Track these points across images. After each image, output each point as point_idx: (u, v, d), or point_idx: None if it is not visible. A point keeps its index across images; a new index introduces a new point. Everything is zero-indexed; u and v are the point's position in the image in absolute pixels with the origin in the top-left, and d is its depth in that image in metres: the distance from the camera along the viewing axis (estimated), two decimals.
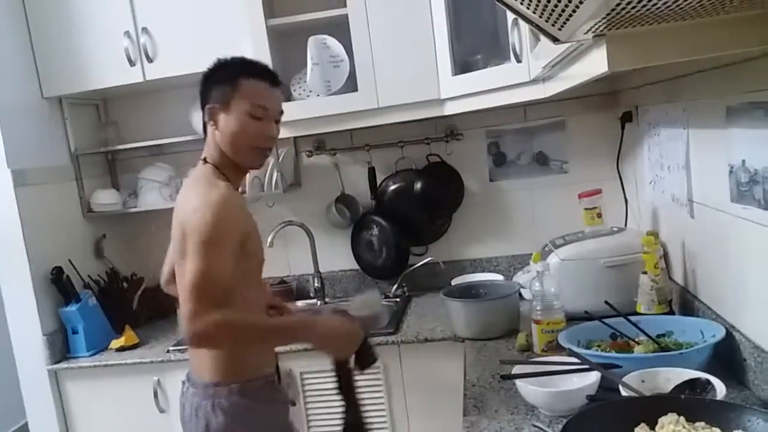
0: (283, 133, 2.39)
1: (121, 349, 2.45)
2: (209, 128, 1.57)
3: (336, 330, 1.51)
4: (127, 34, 2.45)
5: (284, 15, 2.38)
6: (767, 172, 1.16)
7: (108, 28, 2.47)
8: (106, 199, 2.72)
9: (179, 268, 1.51)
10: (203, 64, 2.39)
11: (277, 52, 2.36)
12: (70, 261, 2.54)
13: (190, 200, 1.49)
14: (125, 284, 2.77)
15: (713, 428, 1.02)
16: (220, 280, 1.39)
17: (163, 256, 2.80)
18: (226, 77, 1.55)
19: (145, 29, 2.44)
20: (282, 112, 1.61)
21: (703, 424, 1.03)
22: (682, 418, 1.05)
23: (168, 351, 2.37)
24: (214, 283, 1.38)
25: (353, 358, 1.54)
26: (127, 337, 2.47)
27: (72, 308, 2.44)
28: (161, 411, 2.37)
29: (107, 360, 2.39)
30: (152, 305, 2.81)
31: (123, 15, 2.45)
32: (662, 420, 1.06)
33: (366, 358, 1.55)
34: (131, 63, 2.46)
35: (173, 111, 2.75)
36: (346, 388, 1.56)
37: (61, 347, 2.46)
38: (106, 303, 2.62)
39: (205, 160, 1.60)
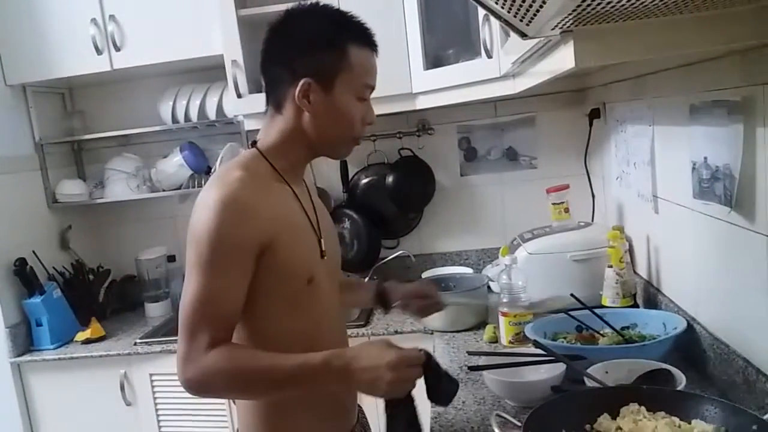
0: (254, 125, 2.39)
1: (87, 341, 2.41)
2: (291, 106, 1.16)
3: (376, 363, 1.05)
4: (93, 21, 2.40)
5: (255, 5, 2.36)
6: (727, 169, 1.19)
7: (74, 15, 2.42)
8: (71, 189, 2.67)
9: None
10: (172, 53, 2.40)
11: (247, 43, 2.33)
12: (34, 252, 2.49)
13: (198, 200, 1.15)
14: (91, 276, 2.72)
15: (672, 417, 1.05)
16: (220, 308, 1.09)
17: (131, 247, 2.75)
18: (330, 42, 1.14)
19: (112, 17, 2.40)
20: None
21: (663, 413, 1.06)
22: (643, 408, 1.08)
23: (135, 344, 2.34)
24: (212, 314, 1.08)
25: (426, 391, 1.13)
26: (93, 329, 2.43)
27: (36, 300, 2.39)
28: (128, 404, 2.34)
29: (72, 353, 2.35)
30: (119, 297, 2.78)
31: (90, 2, 2.40)
32: (624, 410, 1.08)
33: (440, 390, 1.13)
34: (98, 51, 2.41)
35: (141, 101, 2.72)
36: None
37: (24, 340, 2.41)
38: (72, 295, 2.58)
39: (254, 143, 1.24)
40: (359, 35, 1.17)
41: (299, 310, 1.19)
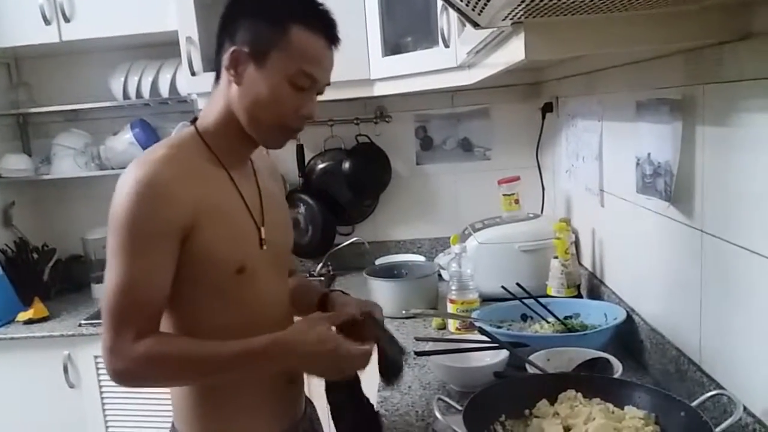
0: None
1: (29, 321, 2.34)
2: (225, 76, 1.10)
3: (319, 347, 1.06)
4: None
5: None
6: (668, 166, 1.23)
7: None
8: (16, 164, 2.58)
9: None
10: (124, 27, 2.33)
11: (203, 20, 2.28)
12: None
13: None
14: (35, 255, 2.64)
15: (607, 404, 1.08)
16: (144, 296, 1.04)
17: (77, 226, 2.67)
18: (272, 14, 1.07)
19: None
20: (329, 84, 1.16)
21: (598, 399, 1.09)
22: (579, 395, 1.11)
23: (80, 325, 2.29)
24: (135, 303, 1.03)
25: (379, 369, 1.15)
26: (36, 309, 2.37)
27: None
28: (71, 386, 2.29)
29: (13, 333, 2.29)
30: (64, 277, 2.70)
31: None
32: (561, 396, 1.11)
33: (389, 367, 1.14)
34: (46, 21, 2.32)
35: (91, 75, 2.63)
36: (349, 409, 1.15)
37: None
38: (14, 274, 2.50)
39: (193, 120, 1.17)
40: (310, 18, 1.08)
41: (228, 301, 1.13)
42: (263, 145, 1.19)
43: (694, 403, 1.01)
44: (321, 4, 1.12)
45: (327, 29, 1.10)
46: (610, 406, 1.08)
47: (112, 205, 1.04)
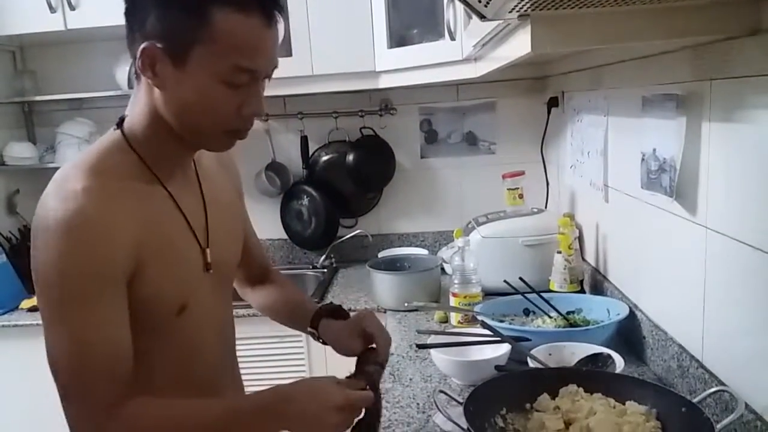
0: None
1: (33, 309, 2.35)
2: (143, 78, 0.91)
3: (316, 408, 0.89)
4: None
5: None
6: (673, 162, 1.22)
7: None
8: (21, 152, 2.58)
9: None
10: None
11: None
12: None
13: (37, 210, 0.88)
14: None
15: (608, 399, 1.08)
16: (103, 354, 0.85)
17: None
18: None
19: None
20: (276, 66, 0.94)
21: (599, 394, 1.09)
22: (581, 389, 1.11)
23: None
24: (97, 368, 0.85)
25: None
26: None
27: None
28: None
29: (17, 320, 2.29)
30: None
31: None
32: (563, 390, 1.11)
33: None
34: (51, 9, 2.31)
35: (97, 64, 2.63)
36: None
37: None
38: (18, 261, 2.50)
39: (120, 123, 0.97)
40: None
41: (166, 342, 0.98)
42: (209, 150, 1.01)
43: (695, 400, 1.01)
44: None
45: (261, 1, 0.87)
46: (612, 401, 1.08)
47: (35, 254, 0.85)
